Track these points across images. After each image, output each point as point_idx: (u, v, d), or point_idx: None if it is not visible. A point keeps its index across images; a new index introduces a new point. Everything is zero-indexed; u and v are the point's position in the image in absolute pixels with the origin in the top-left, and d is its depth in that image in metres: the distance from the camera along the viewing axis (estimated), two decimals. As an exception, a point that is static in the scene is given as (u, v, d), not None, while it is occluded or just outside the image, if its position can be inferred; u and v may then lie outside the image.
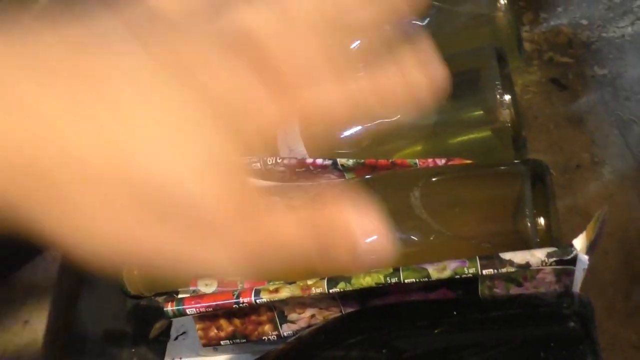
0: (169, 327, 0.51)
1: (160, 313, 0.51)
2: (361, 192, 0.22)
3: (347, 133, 0.49)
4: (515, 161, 0.47)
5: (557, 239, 0.41)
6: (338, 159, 0.47)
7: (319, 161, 0.47)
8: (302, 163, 0.47)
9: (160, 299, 0.52)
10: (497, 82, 0.47)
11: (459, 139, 0.49)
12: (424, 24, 0.54)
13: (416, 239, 0.41)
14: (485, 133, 0.48)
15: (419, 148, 0.49)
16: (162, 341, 0.50)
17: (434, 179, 0.43)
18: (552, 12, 0.63)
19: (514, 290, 0.39)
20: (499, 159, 0.48)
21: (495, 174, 0.44)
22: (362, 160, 0.46)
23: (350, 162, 0.47)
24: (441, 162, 0.47)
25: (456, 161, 0.47)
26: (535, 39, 0.61)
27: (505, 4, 0.52)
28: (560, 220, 0.43)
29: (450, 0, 0.52)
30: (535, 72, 0.59)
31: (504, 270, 0.37)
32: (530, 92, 0.58)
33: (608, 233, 0.49)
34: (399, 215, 0.42)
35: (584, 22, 0.62)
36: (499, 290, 0.39)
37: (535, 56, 0.60)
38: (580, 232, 0.37)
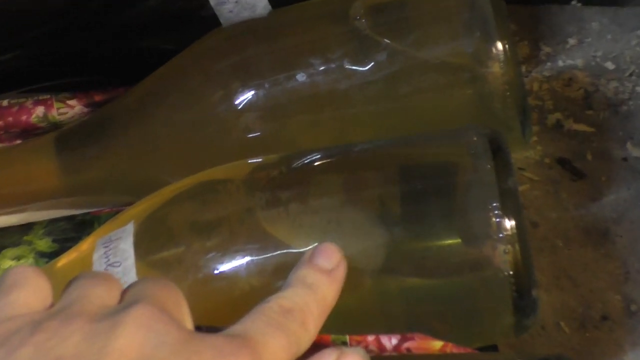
0: None
1: None
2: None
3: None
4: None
5: None
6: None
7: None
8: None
9: None
10: (491, 200, 0.28)
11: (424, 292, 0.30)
12: (365, 69, 0.32)
13: None
14: (465, 284, 0.31)
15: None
16: None
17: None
18: (559, 46, 0.42)
19: None
20: (490, 326, 0.31)
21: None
22: None
23: None
24: (389, 341, 0.28)
25: (415, 341, 0.28)
26: (533, 87, 0.41)
27: (503, 50, 0.30)
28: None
29: (413, 39, 0.30)
30: (534, 146, 0.39)
31: None
32: (525, 180, 0.38)
33: None
34: None
35: (609, 65, 0.41)
36: None
37: (533, 118, 0.40)
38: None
